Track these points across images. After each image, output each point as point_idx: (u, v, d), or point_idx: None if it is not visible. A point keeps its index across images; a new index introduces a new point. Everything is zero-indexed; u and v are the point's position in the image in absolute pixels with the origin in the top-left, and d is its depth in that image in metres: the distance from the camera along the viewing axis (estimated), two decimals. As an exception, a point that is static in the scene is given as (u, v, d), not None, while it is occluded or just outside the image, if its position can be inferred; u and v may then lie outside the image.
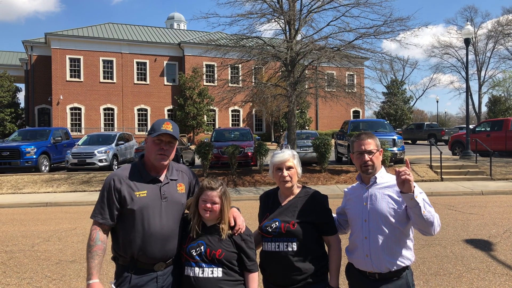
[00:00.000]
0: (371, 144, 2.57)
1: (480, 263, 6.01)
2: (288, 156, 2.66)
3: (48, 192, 14.44)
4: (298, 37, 16.26)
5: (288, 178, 2.64)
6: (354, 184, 2.78)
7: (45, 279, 5.79)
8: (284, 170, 2.64)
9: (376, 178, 2.57)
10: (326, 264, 2.66)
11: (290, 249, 2.57)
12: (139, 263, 2.50)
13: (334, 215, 2.81)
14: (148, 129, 36.61)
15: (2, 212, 11.44)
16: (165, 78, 39.12)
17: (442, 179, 14.83)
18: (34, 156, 17.07)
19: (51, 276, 5.90)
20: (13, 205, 12.37)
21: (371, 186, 2.58)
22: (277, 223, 2.62)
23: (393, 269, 2.46)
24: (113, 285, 2.51)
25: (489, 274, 5.58)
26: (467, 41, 18.59)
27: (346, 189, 2.82)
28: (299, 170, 2.71)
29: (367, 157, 2.55)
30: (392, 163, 16.15)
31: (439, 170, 15.21)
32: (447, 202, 11.09)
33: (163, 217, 2.54)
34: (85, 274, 5.85)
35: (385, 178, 2.59)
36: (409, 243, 2.54)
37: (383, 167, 2.65)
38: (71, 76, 35.95)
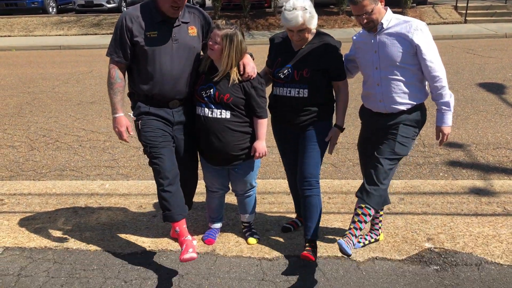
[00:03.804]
0: (366, 5, 2.36)
1: (489, 106, 6.11)
2: (300, 20, 2.44)
3: (59, 35, 14.33)
4: None
5: (299, 39, 2.55)
6: (361, 31, 2.66)
7: (70, 118, 6.15)
8: (295, 33, 2.51)
9: (382, 24, 2.46)
10: (332, 107, 2.77)
11: (301, 95, 2.62)
12: (154, 100, 2.62)
13: None
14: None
15: (18, 55, 11.58)
16: None
17: (465, 21, 14.06)
18: (40, -3, 16.46)
19: (74, 116, 6.25)
20: (27, 48, 12.47)
21: (379, 32, 2.50)
22: (289, 69, 2.61)
23: (406, 109, 2.55)
24: (132, 115, 2.69)
25: (496, 116, 5.72)
26: None
27: (354, 37, 2.72)
28: (314, 23, 2.53)
29: (365, 19, 2.41)
30: (415, 4, 15.22)
31: (464, 12, 14.31)
32: (467, 45, 10.73)
33: (174, 59, 2.56)
34: (105, 114, 6.21)
35: (392, 21, 2.48)
36: (422, 82, 2.57)
37: (388, 9, 2.49)
38: None
